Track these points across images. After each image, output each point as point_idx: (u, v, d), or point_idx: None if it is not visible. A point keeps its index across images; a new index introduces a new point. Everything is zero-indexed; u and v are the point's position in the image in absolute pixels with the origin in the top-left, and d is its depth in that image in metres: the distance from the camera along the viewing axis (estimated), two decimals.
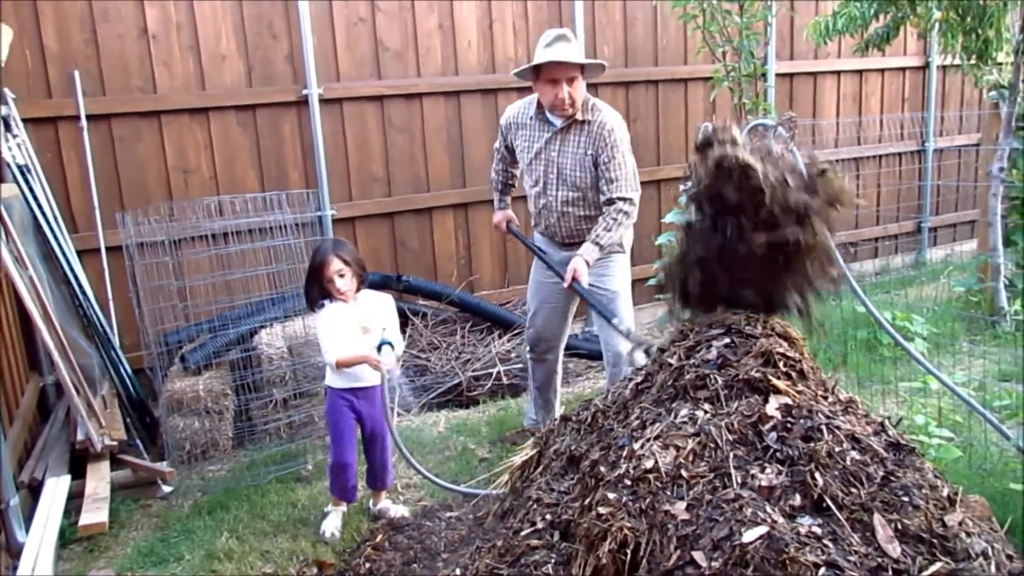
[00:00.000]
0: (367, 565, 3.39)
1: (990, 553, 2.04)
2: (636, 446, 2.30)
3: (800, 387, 2.42)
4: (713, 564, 1.96)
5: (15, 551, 3.36)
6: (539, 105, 4.24)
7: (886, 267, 7.89)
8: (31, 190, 4.35)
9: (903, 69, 7.88)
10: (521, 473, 2.97)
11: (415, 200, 5.86)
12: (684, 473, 2.19)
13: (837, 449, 2.21)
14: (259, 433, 4.71)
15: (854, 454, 2.22)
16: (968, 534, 2.08)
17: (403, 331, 5.56)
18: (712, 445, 2.24)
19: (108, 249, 4.92)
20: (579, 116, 4.13)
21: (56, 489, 3.76)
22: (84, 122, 4.83)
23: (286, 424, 4.71)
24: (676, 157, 6.70)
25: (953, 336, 5.52)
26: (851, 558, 1.95)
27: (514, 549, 2.45)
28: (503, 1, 5.95)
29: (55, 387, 4.71)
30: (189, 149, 5.19)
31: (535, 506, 2.57)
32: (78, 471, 4.06)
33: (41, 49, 4.74)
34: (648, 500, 2.15)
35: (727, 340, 2.54)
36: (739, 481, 2.15)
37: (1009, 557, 2.11)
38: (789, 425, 2.28)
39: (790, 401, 2.34)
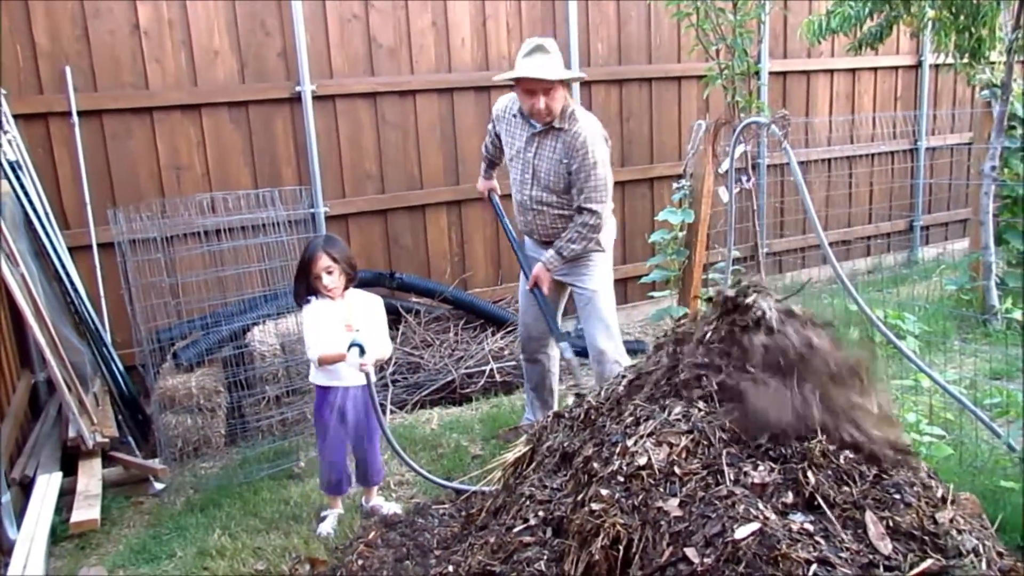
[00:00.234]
0: (360, 562, 3.39)
1: (981, 550, 2.05)
2: (629, 443, 2.30)
3: None
4: (706, 560, 1.96)
5: (6, 548, 3.35)
6: None
7: (878, 265, 7.91)
8: (22, 187, 4.33)
9: (896, 68, 7.90)
10: (514, 470, 2.97)
11: (408, 197, 5.85)
12: (677, 470, 2.19)
13: (831, 448, 2.22)
14: (252, 430, 4.70)
15: (848, 452, 2.23)
16: (959, 531, 2.09)
17: (396, 328, 5.57)
18: (705, 442, 2.25)
19: (100, 246, 4.90)
20: (557, 124, 4.14)
21: (47, 486, 3.75)
22: (76, 118, 4.81)
23: (279, 421, 4.70)
24: (669, 155, 6.71)
25: (945, 334, 5.54)
26: (842, 555, 1.96)
27: (507, 546, 2.45)
28: None
29: (47, 384, 4.69)
30: (181, 146, 5.17)
31: (528, 503, 2.58)
32: (69, 468, 4.05)
33: (32, 45, 4.72)
34: (641, 497, 2.15)
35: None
36: (732, 478, 2.16)
37: (999, 554, 2.13)
38: None
39: None
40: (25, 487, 3.84)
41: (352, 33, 5.52)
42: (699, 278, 5.45)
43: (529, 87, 4.04)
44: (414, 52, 5.73)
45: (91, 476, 4.00)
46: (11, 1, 4.62)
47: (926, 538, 2.06)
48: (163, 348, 4.72)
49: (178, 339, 4.82)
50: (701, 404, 2.37)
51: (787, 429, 2.25)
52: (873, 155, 7.88)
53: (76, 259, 4.79)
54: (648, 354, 2.84)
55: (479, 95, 5.94)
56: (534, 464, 2.85)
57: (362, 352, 3.51)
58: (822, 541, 1.99)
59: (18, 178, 4.32)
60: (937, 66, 7.61)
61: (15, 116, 4.60)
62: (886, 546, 2.01)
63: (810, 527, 2.03)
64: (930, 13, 5.55)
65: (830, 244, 3.22)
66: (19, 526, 3.47)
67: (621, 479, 2.22)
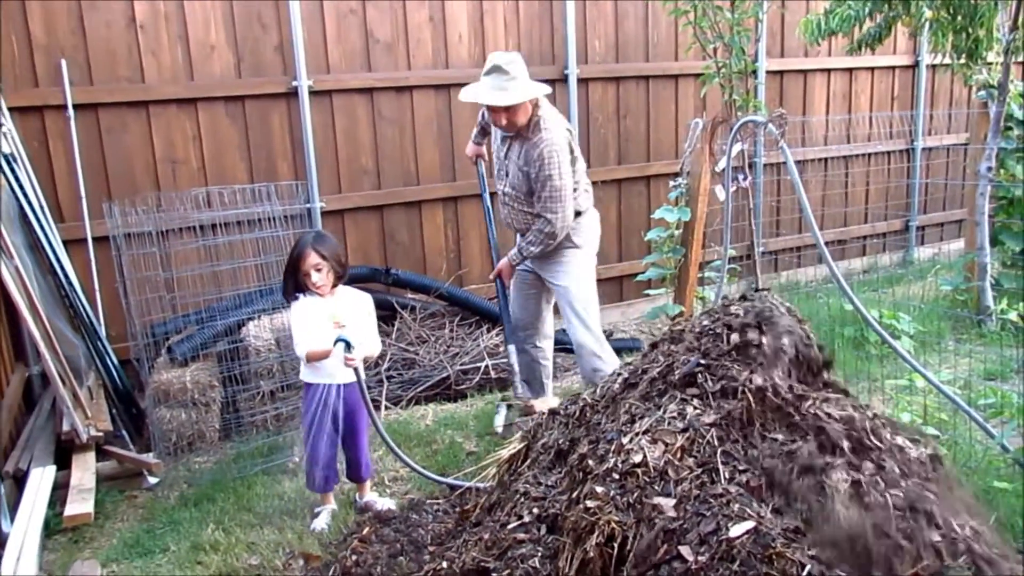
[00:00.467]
0: (353, 558, 3.38)
1: (975, 550, 2.05)
2: (625, 440, 2.30)
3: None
4: (700, 558, 1.97)
5: (0, 541, 3.34)
6: None
7: (874, 265, 7.92)
8: (17, 179, 4.32)
9: (893, 68, 7.90)
10: (509, 466, 2.98)
11: (405, 193, 5.84)
12: (672, 468, 2.19)
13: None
14: (246, 425, 4.70)
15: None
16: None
17: (392, 324, 5.56)
18: (700, 441, 2.25)
19: (95, 239, 4.89)
20: (523, 132, 4.21)
21: (41, 479, 3.74)
22: (71, 111, 4.79)
23: (273, 416, 4.70)
24: (666, 153, 6.70)
25: (939, 334, 5.54)
26: None
27: (501, 542, 2.45)
28: None
29: (41, 377, 4.68)
30: (177, 140, 5.16)
31: (523, 499, 2.58)
32: (63, 462, 4.05)
33: (28, 37, 4.70)
34: (636, 494, 2.16)
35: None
36: (727, 477, 2.16)
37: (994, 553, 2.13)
38: None
39: None
40: (19, 480, 3.83)
41: (349, 28, 5.51)
42: (695, 276, 5.46)
43: (490, 105, 4.15)
44: (411, 47, 5.72)
45: (85, 470, 3.99)
46: None
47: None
48: (158, 342, 4.72)
49: (173, 333, 4.82)
50: (696, 402, 2.37)
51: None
52: (869, 155, 7.89)
53: (71, 252, 4.78)
54: (644, 352, 2.84)
55: None
56: (529, 461, 2.85)
57: (348, 347, 3.50)
58: None
59: (13, 171, 4.30)
60: (934, 66, 7.63)
61: (10, 109, 4.59)
62: None
63: (805, 526, 2.03)
64: (927, 13, 5.55)
65: (826, 243, 3.22)
66: (12, 519, 3.46)
67: (616, 476, 2.22)
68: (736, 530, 1.98)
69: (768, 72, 7.01)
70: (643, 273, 5.61)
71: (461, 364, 5.36)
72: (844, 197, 7.76)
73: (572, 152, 4.28)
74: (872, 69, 7.75)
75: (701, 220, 5.35)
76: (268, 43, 5.29)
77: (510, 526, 2.49)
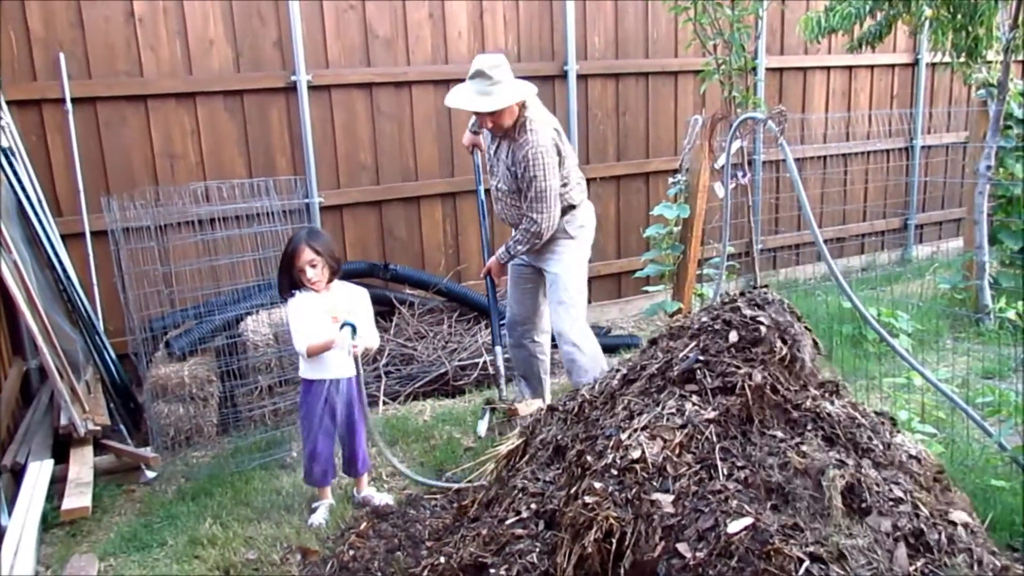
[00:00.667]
0: (351, 552, 3.39)
1: (972, 549, 2.06)
2: (623, 436, 2.30)
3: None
4: (698, 554, 1.97)
5: None
6: None
7: (872, 263, 7.92)
8: (15, 173, 4.31)
9: (893, 66, 7.90)
10: (507, 462, 2.97)
11: (403, 189, 5.84)
12: (670, 464, 2.19)
13: None
14: (244, 420, 4.69)
15: None
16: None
17: (390, 320, 5.56)
18: (699, 437, 2.25)
19: (93, 234, 4.88)
20: (510, 133, 4.23)
21: (39, 473, 3.74)
22: (69, 105, 4.78)
23: (271, 411, 4.69)
24: (665, 149, 6.70)
25: (937, 333, 5.55)
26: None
27: (499, 538, 2.45)
28: None
29: (39, 371, 4.68)
30: (176, 134, 5.15)
31: (521, 495, 2.58)
32: (61, 456, 4.05)
33: (26, 31, 4.69)
34: (634, 490, 2.15)
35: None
36: (725, 473, 2.16)
37: (991, 553, 2.13)
38: None
39: None
40: (16, 474, 3.83)
41: (348, 23, 5.50)
42: (694, 273, 5.45)
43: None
44: (410, 43, 5.71)
45: (82, 464, 3.99)
46: None
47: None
48: (156, 337, 4.71)
49: (171, 328, 4.81)
50: (695, 398, 2.37)
51: None
52: (869, 153, 7.89)
53: (69, 246, 4.78)
54: (642, 348, 2.84)
55: None
56: (527, 457, 2.85)
57: (354, 332, 3.51)
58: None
59: (11, 165, 4.29)
60: (934, 65, 7.61)
61: (8, 102, 4.58)
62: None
63: (802, 523, 2.03)
64: (927, 11, 5.54)
65: (824, 241, 3.21)
66: (10, 513, 3.46)
67: (614, 472, 2.22)
68: (734, 526, 1.98)
69: (768, 69, 7.01)
70: (642, 270, 5.60)
71: (459, 360, 5.36)
72: (843, 195, 7.76)
73: (560, 153, 4.29)
74: (872, 67, 7.74)
75: (700, 217, 5.35)
76: (267, 38, 5.28)
77: (508, 522, 2.49)
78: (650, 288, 5.72)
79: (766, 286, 2.71)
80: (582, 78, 6.26)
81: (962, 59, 5.63)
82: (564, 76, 6.18)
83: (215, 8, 5.12)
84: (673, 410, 2.34)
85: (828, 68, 7.50)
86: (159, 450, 4.39)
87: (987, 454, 3.68)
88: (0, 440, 3.95)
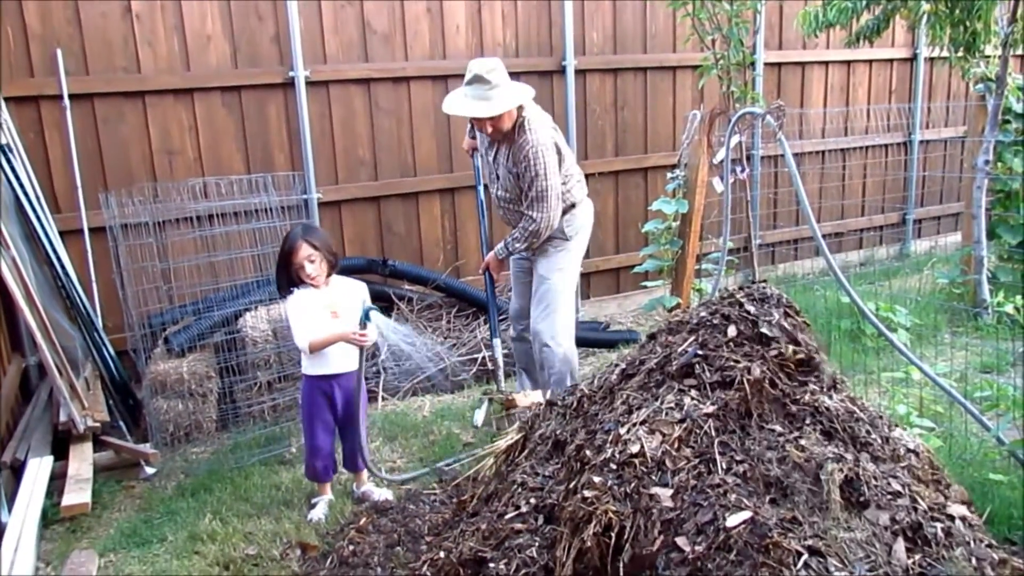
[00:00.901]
0: (351, 547, 3.40)
1: (970, 542, 2.06)
2: (622, 431, 2.30)
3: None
4: (696, 548, 1.97)
5: None
6: None
7: (870, 258, 7.93)
8: (13, 170, 4.31)
9: (891, 61, 7.90)
10: (506, 457, 2.98)
11: (402, 184, 5.83)
12: (669, 459, 2.20)
13: None
14: (243, 415, 4.69)
15: None
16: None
17: (388, 315, 5.54)
18: (698, 431, 2.25)
19: (91, 230, 4.88)
20: (510, 135, 4.24)
21: (39, 470, 3.74)
22: (67, 102, 4.78)
23: (270, 407, 4.70)
24: (664, 145, 6.70)
25: (936, 327, 5.56)
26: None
27: (498, 532, 2.45)
28: None
29: (38, 368, 4.68)
30: (173, 130, 5.14)
31: (520, 490, 2.58)
32: (61, 452, 4.05)
33: (23, 27, 4.68)
34: (633, 484, 2.16)
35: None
36: (724, 467, 2.16)
37: (989, 547, 2.14)
38: None
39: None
40: (16, 470, 3.83)
41: (346, 18, 5.49)
42: (692, 268, 5.46)
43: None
44: (408, 38, 5.70)
45: (82, 460, 3.99)
46: None
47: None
48: (154, 333, 4.71)
49: (170, 324, 4.81)
50: (694, 393, 2.38)
51: None
52: (867, 147, 7.89)
53: (67, 243, 4.77)
54: (641, 343, 2.85)
55: None
56: (526, 452, 2.85)
57: (367, 319, 3.54)
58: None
59: (8, 161, 4.29)
60: (932, 59, 7.63)
61: (5, 99, 4.57)
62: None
63: (801, 517, 2.04)
64: (925, 6, 5.54)
65: (823, 236, 3.20)
66: (10, 509, 3.46)
67: (614, 467, 2.22)
68: (733, 520, 1.99)
69: (766, 64, 7.00)
70: (640, 265, 5.61)
71: (458, 355, 5.37)
72: (841, 190, 7.76)
73: (559, 151, 4.30)
74: (870, 62, 7.74)
75: (699, 212, 5.35)
76: (265, 33, 5.28)
77: (507, 516, 2.50)
78: (649, 283, 5.72)
79: (764, 281, 2.72)
80: (580, 73, 6.26)
81: (960, 54, 5.63)
82: (562, 71, 6.18)
83: (212, 4, 5.11)
84: (672, 404, 2.34)
85: (826, 63, 7.49)
86: (158, 446, 4.39)
87: (985, 448, 3.69)
88: (0, 437, 3.95)
